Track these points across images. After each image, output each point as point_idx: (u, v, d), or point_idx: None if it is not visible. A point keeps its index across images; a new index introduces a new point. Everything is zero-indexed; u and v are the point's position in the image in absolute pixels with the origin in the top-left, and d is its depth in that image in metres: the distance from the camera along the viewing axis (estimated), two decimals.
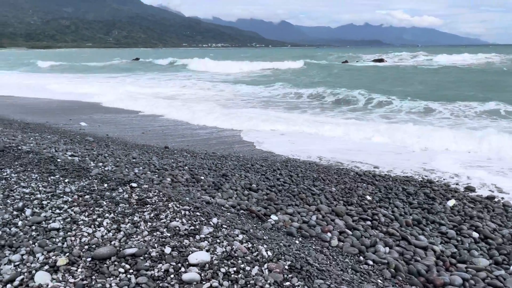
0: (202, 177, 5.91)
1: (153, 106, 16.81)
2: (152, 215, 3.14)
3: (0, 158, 4.67)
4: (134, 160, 6.71)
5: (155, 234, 2.82)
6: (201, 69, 45.80)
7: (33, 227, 2.87)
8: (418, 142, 10.30)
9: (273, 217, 4.45)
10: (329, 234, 4.24)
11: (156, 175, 5.64)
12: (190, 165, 6.86)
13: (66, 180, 3.82)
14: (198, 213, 3.21)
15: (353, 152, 9.80)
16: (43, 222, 2.96)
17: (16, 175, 3.85)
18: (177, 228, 2.91)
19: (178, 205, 3.33)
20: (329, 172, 7.68)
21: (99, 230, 2.88)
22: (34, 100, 19.13)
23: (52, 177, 3.90)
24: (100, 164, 5.78)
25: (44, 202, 3.29)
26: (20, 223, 2.94)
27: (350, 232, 4.42)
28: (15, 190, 3.48)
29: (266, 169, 7.32)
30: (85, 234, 2.82)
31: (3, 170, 4.00)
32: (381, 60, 59.92)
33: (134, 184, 3.85)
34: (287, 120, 13.48)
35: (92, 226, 2.94)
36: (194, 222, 3.02)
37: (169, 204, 3.34)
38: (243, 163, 7.76)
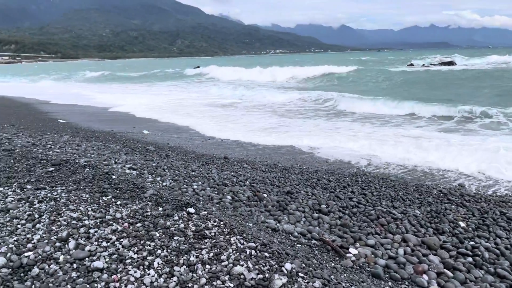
0: (265, 195, 5.32)
1: (211, 115, 16.64)
2: (211, 254, 2.59)
3: (56, 173, 4.42)
4: (193, 173, 6.29)
5: (214, 283, 2.26)
6: (247, 78, 42.10)
7: (75, 265, 2.45)
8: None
9: (352, 250, 3.73)
10: (425, 276, 3.42)
11: (216, 192, 5.14)
12: (251, 180, 6.30)
13: (118, 203, 3.42)
14: (266, 254, 2.62)
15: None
16: (87, 258, 2.53)
17: (66, 195, 3.53)
18: (242, 276, 2.34)
19: (242, 241, 2.77)
20: (408, 189, 6.75)
21: (149, 274, 2.38)
22: (96, 109, 19.83)
23: (104, 198, 3.52)
24: (158, 178, 5.40)
25: (91, 231, 2.88)
26: (61, 258, 2.54)
27: (450, 274, 3.57)
28: (62, 214, 3.13)
29: (335, 186, 6.57)
30: (132, 279, 2.34)
31: (55, 188, 3.71)
32: (450, 63, 55.68)
33: (191, 210, 3.35)
34: (359, 132, 12.55)
35: (141, 267, 2.45)
36: (262, 268, 2.43)
37: (232, 239, 2.78)
38: (308, 178, 7.07)
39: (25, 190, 3.63)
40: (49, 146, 7.24)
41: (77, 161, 5.05)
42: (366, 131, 12.42)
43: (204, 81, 43.52)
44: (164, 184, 5.01)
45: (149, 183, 4.79)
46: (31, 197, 3.40)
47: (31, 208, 3.16)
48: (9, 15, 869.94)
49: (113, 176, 4.23)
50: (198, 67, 74.30)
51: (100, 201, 3.39)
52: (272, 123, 14.48)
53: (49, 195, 3.47)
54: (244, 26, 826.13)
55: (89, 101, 22.75)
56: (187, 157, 8.70)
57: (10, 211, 3.09)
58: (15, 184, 3.85)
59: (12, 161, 4.97)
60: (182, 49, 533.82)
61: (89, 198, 3.44)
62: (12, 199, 3.37)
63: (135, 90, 32.54)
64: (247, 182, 6.05)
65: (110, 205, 3.31)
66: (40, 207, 3.21)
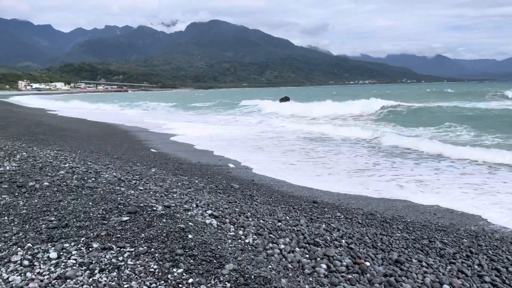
0: (368, 263, 4.32)
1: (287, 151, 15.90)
2: None
3: (130, 223, 3.96)
4: (279, 224, 5.51)
5: None
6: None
7: None
8: None
9: None
10: None
11: (307, 255, 4.28)
12: (348, 237, 5.33)
13: (190, 281, 2.77)
14: None
15: None
16: None
17: (133, 262, 2.99)
18: None
19: None
20: None
21: None
22: (184, 141, 20.24)
23: (174, 272, 2.89)
24: (241, 231, 4.72)
25: None
26: None
27: None
28: None
29: (454, 253, 5.29)
30: None
31: (122, 249, 3.21)
32: None
33: None
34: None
35: None
36: None
37: None
38: (416, 237, 5.86)
39: (90, 249, 3.19)
40: (134, 182, 7.03)
41: (154, 208, 4.58)
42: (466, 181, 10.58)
43: (264, 114, 41.14)
44: (247, 241, 4.30)
45: (229, 240, 4.11)
46: (94, 261, 2.94)
47: (90, 280, 2.66)
48: (120, 49, 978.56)
49: (189, 236, 3.62)
50: (287, 98, 74.61)
51: (169, 276, 2.78)
52: (359, 164, 13.24)
53: (113, 260, 2.97)
54: (333, 57, 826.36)
55: (175, 131, 23.54)
56: (272, 198, 7.98)
57: (68, 280, 2.62)
58: (83, 239, 3.45)
59: (90, 203, 4.66)
60: (271, 79, 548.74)
61: (157, 270, 2.86)
62: (74, 262, 2.93)
63: (218, 121, 33.25)
64: (343, 241, 5.09)
65: (180, 285, 2.66)
66: (100, 278, 2.70)
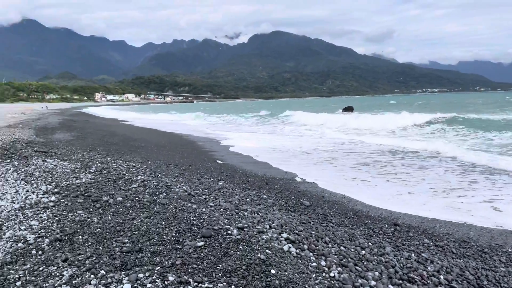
0: None
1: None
2: None
3: (205, 250, 3.64)
4: (363, 252, 4.92)
5: None
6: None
7: None
8: None
9: None
10: None
11: None
12: (445, 272, 4.61)
13: None
14: None
15: None
16: None
17: None
18: None
19: None
20: None
21: None
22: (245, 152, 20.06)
23: None
24: (323, 261, 4.22)
25: None
26: None
27: None
28: None
29: None
30: None
31: (200, 284, 2.87)
32: None
33: None
34: None
35: None
36: None
37: None
38: None
39: (166, 283, 2.90)
40: (204, 197, 6.81)
41: (229, 231, 4.24)
42: None
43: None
44: (331, 274, 3.79)
45: (313, 274, 3.63)
46: None
47: None
48: (186, 61, 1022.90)
49: (272, 271, 3.21)
50: (351, 108, 72.55)
51: None
52: (445, 182, 12.06)
53: None
54: (398, 65, 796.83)
55: (233, 141, 23.50)
56: (348, 219, 7.37)
57: None
58: (157, 268, 3.18)
59: (163, 223, 4.44)
60: (332, 88, 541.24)
61: None
62: None
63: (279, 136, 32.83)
64: (441, 276, 4.39)
65: None
66: None
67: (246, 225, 4.99)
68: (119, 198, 5.69)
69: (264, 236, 4.63)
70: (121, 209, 5.17)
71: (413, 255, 5.17)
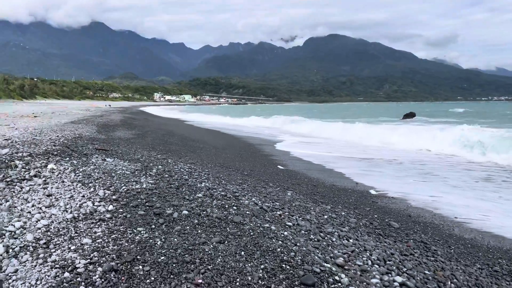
0: None
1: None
2: None
3: None
4: None
5: None
6: None
7: None
8: None
9: None
10: None
11: None
12: None
13: None
14: None
15: None
16: None
17: None
18: None
19: None
20: None
21: None
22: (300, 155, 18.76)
23: None
24: None
25: None
26: None
27: None
28: None
29: None
30: None
31: None
32: None
33: None
34: None
35: None
36: None
37: None
38: None
39: None
40: (279, 214, 5.76)
41: (337, 278, 3.13)
42: None
43: None
44: None
45: None
46: None
47: None
48: (242, 64, 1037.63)
49: None
50: (411, 114, 68.77)
51: None
52: None
53: None
54: (462, 70, 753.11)
55: (290, 147, 22.27)
56: (454, 249, 5.97)
57: None
58: None
59: (243, 253, 3.42)
60: (389, 93, 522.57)
61: None
62: None
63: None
64: None
65: None
66: None
67: (343, 260, 3.86)
68: (185, 212, 4.78)
69: (373, 280, 3.46)
70: (187, 227, 4.24)
71: None
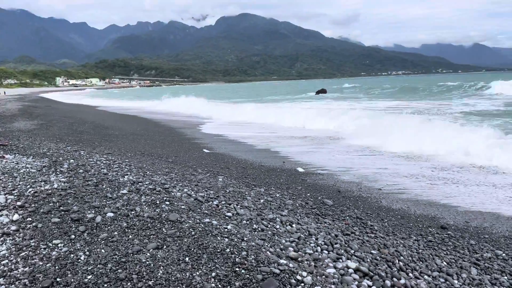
0: None
1: None
2: None
3: None
4: None
5: None
6: None
7: None
8: None
9: None
10: None
11: None
12: None
13: None
14: None
15: None
16: None
17: None
18: None
19: None
20: None
21: None
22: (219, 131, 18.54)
23: None
24: None
25: None
26: None
27: None
28: None
29: None
30: None
31: None
32: None
33: None
34: None
35: None
36: None
37: None
38: None
39: None
40: (216, 204, 5.35)
41: (299, 276, 2.82)
42: None
43: None
44: None
45: None
46: None
47: None
48: (152, 44, 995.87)
49: None
50: (324, 91, 72.05)
51: None
52: None
53: None
54: (364, 48, 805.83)
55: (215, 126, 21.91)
56: (389, 223, 6.09)
57: None
58: None
59: (187, 259, 2.97)
60: (301, 71, 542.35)
61: None
62: None
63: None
64: None
65: None
66: None
67: (293, 250, 3.59)
68: (110, 214, 4.14)
69: (329, 271, 3.24)
70: (115, 233, 3.64)
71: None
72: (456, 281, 3.67)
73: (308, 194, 7.69)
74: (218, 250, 3.19)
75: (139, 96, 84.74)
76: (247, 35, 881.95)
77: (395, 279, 3.42)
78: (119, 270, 2.86)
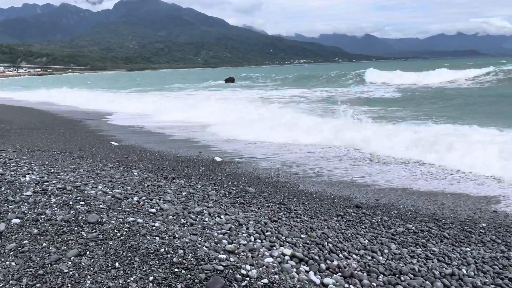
0: None
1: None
2: None
3: None
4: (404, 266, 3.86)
5: None
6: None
7: None
8: None
9: None
10: None
11: None
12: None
13: None
14: None
15: None
16: None
17: None
18: None
19: None
20: None
21: None
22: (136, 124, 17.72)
23: None
24: None
25: None
26: None
27: None
28: None
29: None
30: None
31: None
32: None
33: None
34: None
35: None
36: None
37: None
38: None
39: None
40: (136, 199, 5.02)
41: (244, 270, 2.72)
42: None
43: None
44: None
45: None
46: None
47: None
48: (42, 29, 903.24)
49: None
50: (232, 79, 72.32)
51: None
52: None
53: None
54: (268, 37, 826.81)
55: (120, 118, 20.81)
56: (310, 206, 6.31)
57: None
58: None
59: (117, 264, 2.70)
60: (207, 59, 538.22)
61: None
62: None
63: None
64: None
65: None
66: None
67: (228, 242, 3.51)
68: (16, 220, 3.62)
69: (267, 260, 3.22)
70: (26, 242, 3.19)
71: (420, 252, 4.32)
72: (381, 257, 3.92)
73: (230, 183, 7.64)
74: (152, 251, 2.95)
75: (30, 85, 76.50)
76: (149, 21, 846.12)
77: (328, 262, 3.52)
78: (38, 285, 2.49)
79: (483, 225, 5.49)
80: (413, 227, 5.24)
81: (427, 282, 3.38)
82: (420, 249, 4.35)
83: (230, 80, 72.39)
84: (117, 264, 2.78)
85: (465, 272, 3.70)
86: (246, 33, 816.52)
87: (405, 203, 6.65)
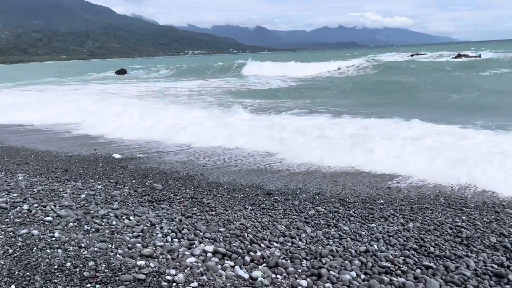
0: None
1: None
2: None
3: None
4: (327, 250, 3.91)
5: None
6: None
7: None
8: None
9: None
10: None
11: None
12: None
13: None
14: None
15: None
16: None
17: None
18: None
19: None
20: None
21: None
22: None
23: None
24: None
25: None
26: None
27: None
28: None
29: None
30: None
31: None
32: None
33: None
34: None
35: None
36: None
37: None
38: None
39: None
40: (26, 207, 4.39)
41: (165, 279, 2.46)
42: None
43: None
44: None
45: None
46: None
47: None
48: None
49: None
50: (123, 71, 68.61)
51: None
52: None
53: None
54: (159, 27, 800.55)
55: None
56: (223, 197, 6.19)
57: None
58: None
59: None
60: (94, 50, 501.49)
61: None
62: None
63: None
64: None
65: None
66: None
67: (142, 246, 3.22)
68: None
69: (189, 260, 3.02)
70: None
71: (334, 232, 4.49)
72: (300, 242, 3.98)
73: (134, 181, 7.15)
74: (55, 267, 2.53)
75: None
76: (22, 8, 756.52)
77: (252, 253, 3.44)
78: None
79: (381, 201, 5.96)
80: (323, 209, 5.45)
81: (346, 261, 3.51)
82: (333, 229, 4.52)
83: (122, 72, 68.55)
84: (13, 287, 2.32)
85: (376, 247, 3.94)
86: (136, 23, 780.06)
87: (311, 187, 6.91)
